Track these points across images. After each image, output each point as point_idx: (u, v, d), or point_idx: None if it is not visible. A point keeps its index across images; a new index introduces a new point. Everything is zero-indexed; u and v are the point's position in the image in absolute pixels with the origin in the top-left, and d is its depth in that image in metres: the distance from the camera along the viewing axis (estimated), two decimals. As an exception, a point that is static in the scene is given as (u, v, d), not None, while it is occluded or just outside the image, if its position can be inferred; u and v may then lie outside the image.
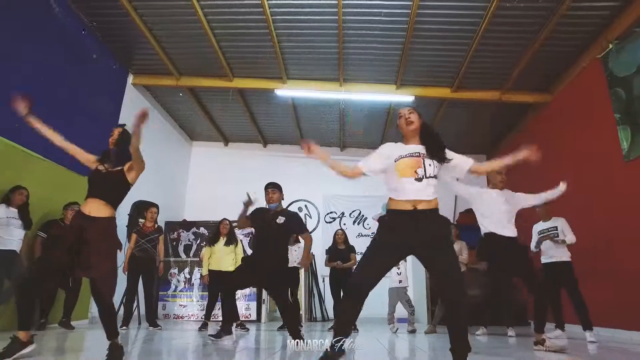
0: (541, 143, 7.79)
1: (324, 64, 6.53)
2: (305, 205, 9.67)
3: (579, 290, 4.60)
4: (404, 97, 6.94)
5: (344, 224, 9.44)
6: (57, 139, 2.87)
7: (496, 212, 3.87)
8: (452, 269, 2.25)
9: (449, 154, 2.47)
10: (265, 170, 9.61)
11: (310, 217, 9.66)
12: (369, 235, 9.43)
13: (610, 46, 5.31)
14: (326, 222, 9.61)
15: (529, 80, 6.61)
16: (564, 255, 4.77)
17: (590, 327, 4.46)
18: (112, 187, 2.77)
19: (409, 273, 6.23)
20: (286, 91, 6.98)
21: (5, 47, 4.57)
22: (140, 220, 6.02)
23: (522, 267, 3.74)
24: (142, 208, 6.18)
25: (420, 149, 2.43)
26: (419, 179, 2.32)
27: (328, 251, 6.26)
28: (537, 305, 3.70)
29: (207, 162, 9.78)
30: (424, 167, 2.34)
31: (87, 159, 2.88)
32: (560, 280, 4.72)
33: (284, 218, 3.87)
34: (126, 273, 5.20)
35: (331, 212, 9.65)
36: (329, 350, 2.24)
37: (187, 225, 8.14)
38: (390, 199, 2.43)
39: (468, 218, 8.99)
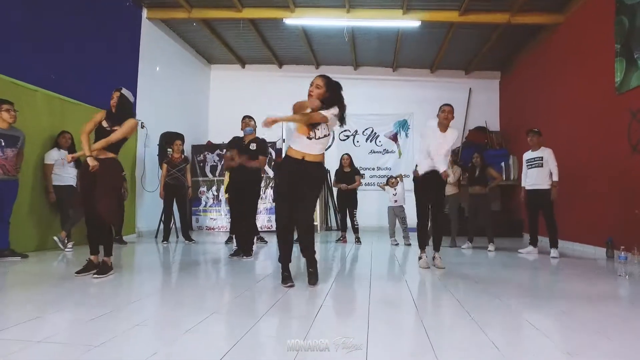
0: (549, 66, 7.88)
1: (330, -9, 6.54)
2: (321, 125, 10.18)
3: (552, 214, 5.21)
4: (411, 22, 6.94)
5: (357, 142, 10.01)
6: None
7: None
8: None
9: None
10: (281, 90, 9.93)
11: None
12: (380, 152, 10.03)
13: (623, -31, 5.11)
14: (340, 139, 10.18)
15: (539, 0, 6.42)
16: (544, 183, 5.28)
17: (555, 246, 5.17)
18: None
19: (407, 194, 6.89)
20: (294, 20, 7.10)
21: None
22: (169, 150, 6.83)
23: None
24: (169, 138, 6.96)
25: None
26: (309, 138, 3.12)
27: (335, 173, 6.97)
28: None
29: (226, 85, 10.22)
30: (314, 131, 3.13)
31: (99, 119, 3.55)
32: (539, 204, 5.32)
33: (255, 144, 4.75)
34: (162, 198, 6.18)
35: (345, 130, 10.15)
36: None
37: (211, 147, 8.95)
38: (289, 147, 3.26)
39: (477, 135, 9.37)
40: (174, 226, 6.69)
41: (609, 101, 5.42)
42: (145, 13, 7.24)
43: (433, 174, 4.09)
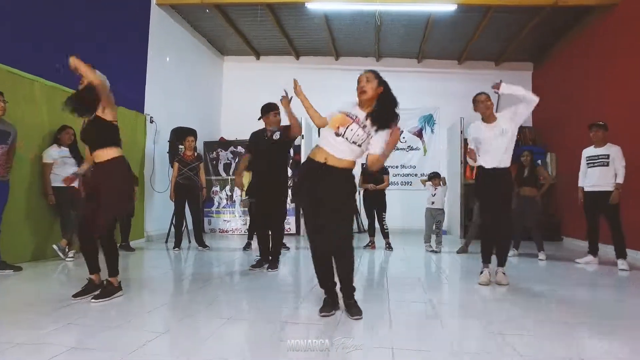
0: (597, 53, 7.15)
1: (357, -28, 5.90)
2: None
3: (619, 219, 4.55)
4: (446, 5, 6.27)
5: (379, 138, 9.37)
6: None
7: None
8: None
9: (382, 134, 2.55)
10: (299, 83, 9.39)
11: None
12: (404, 149, 9.39)
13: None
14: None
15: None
16: (608, 184, 4.61)
17: (623, 256, 4.50)
18: (98, 134, 2.83)
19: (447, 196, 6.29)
20: (318, 4, 6.47)
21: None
22: (180, 146, 6.27)
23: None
24: (180, 134, 6.39)
25: (361, 114, 2.56)
26: (338, 135, 2.50)
27: (362, 173, 6.36)
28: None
29: (240, 78, 9.63)
30: (347, 129, 2.49)
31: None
32: (601, 207, 4.66)
33: (279, 132, 4.11)
34: (173, 200, 5.60)
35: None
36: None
37: (225, 144, 8.38)
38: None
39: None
40: (185, 230, 6.13)
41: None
42: (154, -1, 6.66)
43: (498, 173, 3.47)
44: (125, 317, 2.45)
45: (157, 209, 6.65)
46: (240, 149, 8.24)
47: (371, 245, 6.02)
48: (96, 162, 2.82)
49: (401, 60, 9.31)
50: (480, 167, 3.62)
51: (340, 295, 2.67)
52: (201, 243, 5.72)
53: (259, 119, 4.33)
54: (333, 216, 2.49)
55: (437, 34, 7.82)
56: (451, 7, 6.27)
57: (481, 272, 3.64)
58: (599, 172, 4.65)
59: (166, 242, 6.29)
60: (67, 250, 4.48)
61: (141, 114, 6.35)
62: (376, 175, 6.08)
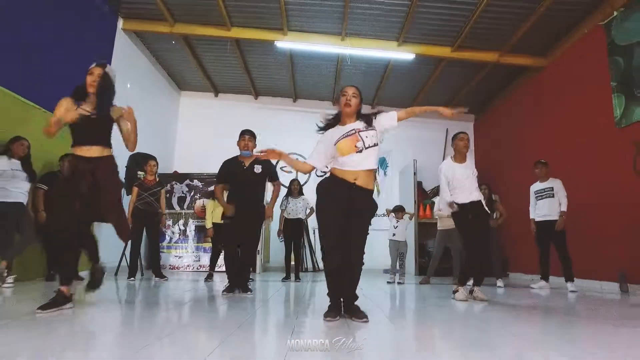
0: (531, 107, 8.05)
1: (328, 16, 6.33)
2: (297, 159, 9.66)
3: (565, 245, 4.99)
4: (405, 54, 6.88)
5: (335, 179, 9.58)
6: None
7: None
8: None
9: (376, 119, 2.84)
10: (256, 122, 9.36)
11: (301, 171, 9.73)
12: (358, 190, 9.64)
13: (615, 13, 5.39)
14: (317, 175, 9.71)
15: (528, 43, 6.64)
16: (556, 214, 5.09)
17: (571, 279, 4.90)
18: (104, 131, 2.81)
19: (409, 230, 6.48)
20: (286, 43, 6.77)
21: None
22: (139, 173, 5.96)
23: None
24: (140, 160, 6.09)
25: (355, 125, 2.78)
26: (359, 151, 2.67)
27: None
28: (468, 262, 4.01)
29: (196, 113, 9.53)
30: (362, 139, 2.68)
31: (66, 111, 2.76)
32: (550, 235, 5.10)
33: (260, 166, 4.05)
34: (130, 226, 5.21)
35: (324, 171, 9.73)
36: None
37: (180, 177, 8.08)
38: (333, 167, 2.80)
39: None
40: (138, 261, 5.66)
41: (609, 135, 5.49)
42: (120, 23, 6.56)
43: (475, 205, 3.80)
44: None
45: (107, 239, 6.09)
46: (196, 182, 7.99)
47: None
48: (96, 155, 2.68)
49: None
50: (458, 205, 3.86)
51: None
52: (159, 274, 5.30)
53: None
54: (360, 233, 2.67)
55: (393, 81, 8.46)
56: (410, 56, 6.88)
57: (455, 292, 3.82)
58: (547, 203, 5.15)
59: (115, 274, 5.74)
60: (5, 274, 3.93)
61: (97, 136, 5.99)
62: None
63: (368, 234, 2.76)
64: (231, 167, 4.13)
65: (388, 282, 5.80)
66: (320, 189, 2.81)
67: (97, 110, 2.77)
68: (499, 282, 5.42)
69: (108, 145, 2.82)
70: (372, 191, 2.77)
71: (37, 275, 4.65)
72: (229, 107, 9.53)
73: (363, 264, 2.72)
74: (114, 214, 2.65)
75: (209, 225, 5.56)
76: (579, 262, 5.72)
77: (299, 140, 9.57)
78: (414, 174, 8.49)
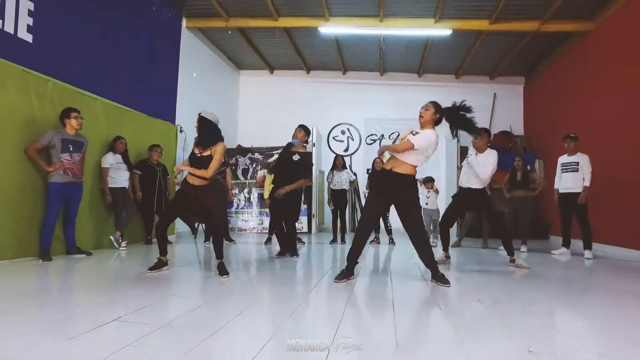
0: (576, 74, 7.96)
1: (365, 1, 6.77)
2: (348, 129, 10.41)
3: (586, 216, 5.37)
4: (442, 30, 7.14)
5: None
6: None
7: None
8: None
9: None
10: (309, 96, 10.30)
11: (353, 139, 10.47)
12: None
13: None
14: (367, 143, 10.40)
15: (572, 7, 6.55)
16: (578, 187, 5.43)
17: (589, 247, 5.32)
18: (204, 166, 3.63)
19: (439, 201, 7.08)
20: (329, 28, 7.35)
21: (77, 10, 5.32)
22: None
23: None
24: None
25: None
26: None
27: (368, 177, 7.18)
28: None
29: (254, 90, 10.52)
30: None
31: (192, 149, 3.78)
32: (571, 207, 5.48)
33: (299, 156, 4.89)
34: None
35: (372, 135, 10.38)
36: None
37: (243, 151, 9.23)
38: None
39: (501, 140, 9.52)
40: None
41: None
42: (184, 22, 7.56)
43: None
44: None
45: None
46: (257, 155, 9.11)
47: (376, 240, 6.84)
48: (195, 184, 3.60)
49: (403, 75, 10.18)
50: None
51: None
52: (228, 237, 6.55)
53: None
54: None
55: (435, 53, 8.70)
56: (447, 32, 7.13)
57: (513, 261, 4.48)
58: (571, 177, 5.47)
59: (195, 237, 7.13)
60: (120, 241, 5.32)
61: (173, 125, 7.22)
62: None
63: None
64: (285, 148, 5.05)
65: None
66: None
67: (201, 147, 3.68)
68: (523, 248, 5.93)
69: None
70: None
71: (139, 239, 6.08)
72: (283, 82, 10.38)
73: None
74: (209, 218, 3.71)
75: (266, 195, 6.62)
76: (607, 228, 6.02)
77: (350, 111, 10.28)
78: (457, 140, 8.83)
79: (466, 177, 4.58)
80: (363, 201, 9.64)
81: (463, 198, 4.64)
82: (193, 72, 8.02)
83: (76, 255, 4.52)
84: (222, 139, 3.72)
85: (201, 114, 3.73)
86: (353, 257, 3.54)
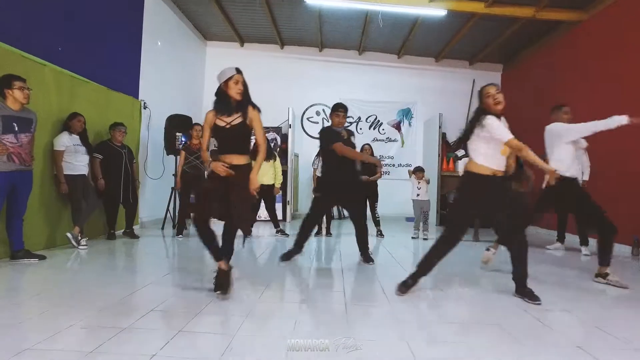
0: (566, 62, 7.82)
1: (359, -28, 6.14)
2: (323, 110, 9.80)
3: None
4: (436, 10, 6.69)
5: (360, 129, 9.75)
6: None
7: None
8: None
9: None
10: (282, 73, 9.54)
11: (328, 120, 9.89)
12: (383, 140, 9.83)
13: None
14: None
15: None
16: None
17: (586, 243, 5.24)
18: (241, 139, 2.86)
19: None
20: (317, 1, 6.64)
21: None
22: (177, 133, 6.29)
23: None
24: (177, 122, 6.41)
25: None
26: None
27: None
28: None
29: (222, 63, 9.45)
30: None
31: (211, 121, 2.83)
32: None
33: (353, 137, 4.18)
34: (179, 189, 5.68)
35: (348, 117, 9.85)
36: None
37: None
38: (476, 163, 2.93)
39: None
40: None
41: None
42: (149, -20, 6.51)
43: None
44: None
45: (151, 195, 6.66)
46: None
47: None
48: (234, 163, 2.79)
49: (383, 55, 9.70)
50: None
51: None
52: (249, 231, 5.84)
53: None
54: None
55: (422, 34, 8.27)
56: (442, 12, 6.70)
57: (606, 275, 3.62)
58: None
59: (162, 228, 6.34)
60: (79, 238, 4.48)
61: (137, 100, 6.28)
62: (370, 167, 6.48)
63: None
64: (334, 135, 4.05)
65: (412, 238, 6.25)
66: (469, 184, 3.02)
67: (241, 115, 2.80)
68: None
69: (245, 153, 2.87)
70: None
71: (98, 234, 5.23)
72: (255, 56, 9.51)
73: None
74: (239, 211, 2.77)
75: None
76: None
77: (325, 91, 9.66)
78: (439, 127, 8.61)
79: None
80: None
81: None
82: (158, 40, 7.01)
83: (24, 261, 3.68)
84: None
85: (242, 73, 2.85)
86: None
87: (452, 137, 9.41)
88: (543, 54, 8.14)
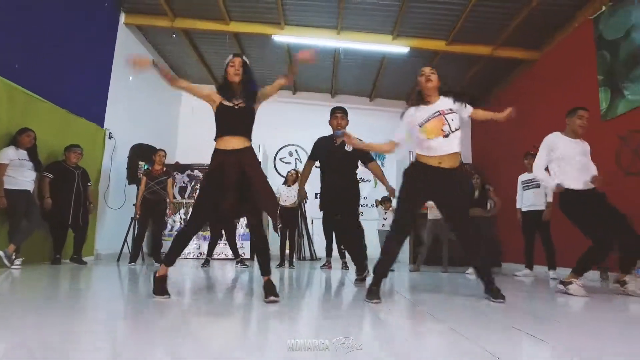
0: (525, 99, 8.14)
1: (323, 11, 6.48)
2: (296, 150, 9.88)
3: (550, 235, 5.16)
4: (400, 47, 7.02)
5: (333, 170, 9.75)
6: (175, 81, 2.89)
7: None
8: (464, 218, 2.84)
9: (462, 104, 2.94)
10: (257, 114, 9.67)
11: (300, 161, 9.93)
12: (361, 180, 9.79)
13: (603, 8, 5.49)
14: (316, 166, 9.88)
15: (521, 36, 6.73)
16: (542, 204, 5.26)
17: (554, 267, 5.08)
18: (247, 123, 2.71)
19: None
20: (284, 37, 6.93)
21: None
22: (140, 162, 6.20)
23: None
24: (141, 151, 6.34)
25: (440, 105, 2.84)
26: (446, 136, 2.73)
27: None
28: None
29: (198, 104, 9.65)
30: (448, 123, 2.74)
31: (207, 94, 2.78)
32: (536, 225, 5.26)
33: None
34: (138, 215, 5.47)
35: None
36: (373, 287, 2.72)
37: (181, 167, 8.32)
38: (417, 153, 2.83)
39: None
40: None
41: (594, 128, 5.61)
42: (123, 18, 6.76)
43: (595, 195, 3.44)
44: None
45: (109, 226, 6.38)
46: (197, 172, 8.23)
47: (328, 265, 6.17)
48: (239, 147, 2.61)
49: (355, 98, 9.99)
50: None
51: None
52: (158, 259, 5.55)
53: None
54: (465, 215, 2.85)
55: (389, 75, 8.60)
56: (404, 50, 7.02)
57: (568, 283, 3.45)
58: (533, 194, 5.31)
59: (118, 260, 6.00)
60: (13, 257, 4.17)
61: (100, 128, 6.23)
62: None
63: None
64: (321, 143, 4.11)
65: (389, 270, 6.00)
66: (405, 176, 2.88)
67: (245, 100, 2.67)
68: (469, 270, 5.60)
69: (249, 137, 2.71)
70: (459, 169, 2.81)
71: (43, 259, 4.91)
72: (229, 99, 9.70)
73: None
74: (271, 202, 2.61)
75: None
76: (563, 251, 5.91)
77: (299, 132, 9.80)
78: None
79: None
80: (310, 225, 9.00)
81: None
82: (129, 75, 7.13)
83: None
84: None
85: (244, 57, 2.81)
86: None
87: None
88: (506, 93, 8.47)
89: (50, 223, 4.81)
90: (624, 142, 5.15)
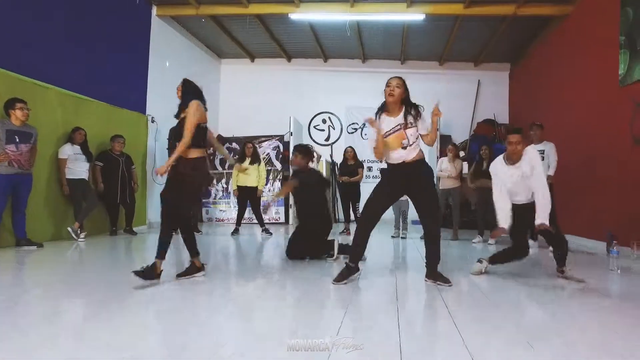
0: (560, 56, 7.68)
1: (335, -14, 6.60)
2: (329, 117, 10.27)
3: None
4: (415, 15, 6.93)
5: (365, 134, 10.02)
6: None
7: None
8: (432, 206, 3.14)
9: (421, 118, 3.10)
10: (290, 85, 10.14)
11: (334, 128, 10.33)
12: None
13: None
14: (348, 132, 10.27)
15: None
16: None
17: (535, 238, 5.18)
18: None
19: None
20: (300, 15, 7.18)
21: None
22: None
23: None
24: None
25: (401, 119, 3.04)
26: (404, 147, 3.01)
27: (340, 166, 7.07)
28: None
29: (236, 79, 10.35)
30: (407, 137, 3.01)
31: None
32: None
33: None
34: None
35: (353, 123, 10.23)
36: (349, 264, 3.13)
37: (221, 140, 9.14)
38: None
39: (485, 128, 9.34)
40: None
41: (612, 93, 5.35)
42: (155, 10, 7.43)
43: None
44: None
45: (158, 199, 7.46)
46: (235, 145, 9.02)
47: (346, 231, 6.75)
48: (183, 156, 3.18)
49: (386, 62, 9.97)
50: None
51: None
52: (195, 228, 6.51)
53: None
54: (431, 204, 3.14)
55: (415, 39, 8.48)
56: (420, 17, 6.92)
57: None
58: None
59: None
60: (79, 232, 5.28)
61: (143, 114, 7.15)
62: (351, 169, 6.81)
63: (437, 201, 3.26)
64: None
65: (392, 237, 6.45)
66: (382, 174, 3.41)
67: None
68: (476, 239, 5.85)
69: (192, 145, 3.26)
70: (421, 160, 3.08)
71: (103, 231, 6.06)
72: (264, 71, 10.23)
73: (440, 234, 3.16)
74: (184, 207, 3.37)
75: (234, 187, 6.55)
76: (573, 219, 5.92)
77: (331, 99, 10.13)
78: (437, 129, 8.67)
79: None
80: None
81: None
82: (166, 61, 7.90)
83: (25, 247, 4.49)
84: (195, 98, 3.33)
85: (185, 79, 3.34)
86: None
87: (458, 139, 9.40)
88: (541, 50, 7.99)
89: (105, 203, 5.89)
90: (638, 108, 4.91)
